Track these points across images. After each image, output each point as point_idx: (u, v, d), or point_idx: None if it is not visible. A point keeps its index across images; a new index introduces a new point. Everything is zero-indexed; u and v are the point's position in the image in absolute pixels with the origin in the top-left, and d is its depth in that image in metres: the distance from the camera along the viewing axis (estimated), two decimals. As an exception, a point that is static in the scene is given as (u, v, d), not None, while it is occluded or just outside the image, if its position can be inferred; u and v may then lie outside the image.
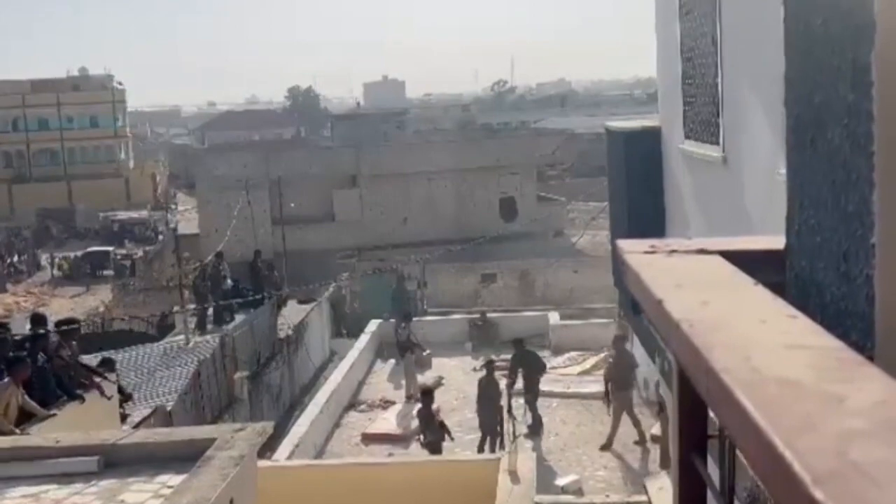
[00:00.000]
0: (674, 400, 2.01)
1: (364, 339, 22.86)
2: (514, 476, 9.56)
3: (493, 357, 18.14)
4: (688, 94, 8.17)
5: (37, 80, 76.85)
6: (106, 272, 46.67)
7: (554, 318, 23.74)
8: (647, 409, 17.41)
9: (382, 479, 9.92)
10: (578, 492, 13.96)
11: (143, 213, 62.03)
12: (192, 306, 23.21)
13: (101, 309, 36.68)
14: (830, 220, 1.75)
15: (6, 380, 10.34)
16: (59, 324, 13.03)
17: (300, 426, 16.35)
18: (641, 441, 15.92)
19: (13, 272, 49.95)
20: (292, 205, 36.93)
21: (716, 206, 7.57)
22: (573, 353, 21.03)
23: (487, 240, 29.96)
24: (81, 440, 6.96)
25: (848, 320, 1.67)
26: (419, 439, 15.29)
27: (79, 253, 49.19)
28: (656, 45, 9.85)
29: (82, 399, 11.49)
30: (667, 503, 6.70)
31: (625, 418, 16.23)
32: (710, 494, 2.00)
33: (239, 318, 22.51)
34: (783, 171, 2.35)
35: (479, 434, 16.23)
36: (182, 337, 20.83)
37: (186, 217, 53.53)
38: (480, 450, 15.63)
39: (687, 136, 8.30)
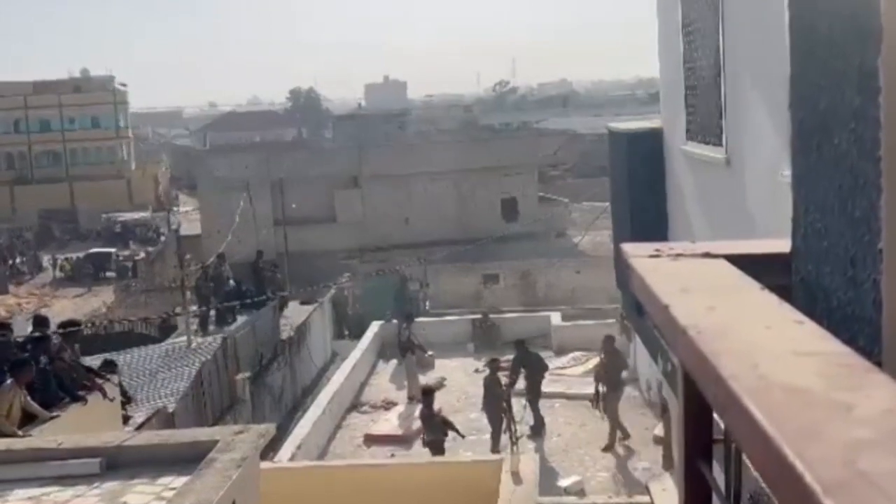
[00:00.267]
0: (679, 405, 2.01)
1: (366, 340, 22.86)
2: (516, 477, 9.56)
3: (497, 357, 18.14)
4: (690, 95, 8.16)
5: (38, 81, 76.85)
6: (108, 273, 46.69)
7: (556, 318, 23.74)
8: (650, 410, 17.41)
9: (385, 480, 9.92)
10: (581, 493, 13.95)
11: (145, 215, 62.05)
12: (194, 307, 23.21)
13: (103, 310, 36.70)
14: (837, 225, 1.75)
15: (9, 382, 10.34)
16: (61, 325, 13.04)
17: (302, 427, 16.35)
18: (608, 447, 15.93)
19: (15, 273, 49.97)
20: (294, 206, 36.95)
21: (718, 208, 7.56)
22: (576, 354, 21.03)
23: (489, 240, 29.96)
24: (84, 442, 6.96)
25: (855, 325, 1.66)
26: (423, 439, 15.33)
27: (81, 254, 49.21)
28: (658, 46, 9.84)
29: (84, 401, 11.50)
30: (670, 505, 6.70)
31: (624, 417, 16.25)
32: (715, 499, 2.00)
33: (241, 319, 22.52)
34: (787, 172, 2.34)
35: (480, 435, 16.25)
36: (184, 338, 20.83)
37: (188, 218, 53.60)
38: (495, 448, 15.63)
39: (689, 138, 8.29)
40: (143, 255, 47.44)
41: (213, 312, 23.23)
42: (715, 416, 1.95)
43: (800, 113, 2.08)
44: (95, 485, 6.36)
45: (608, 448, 15.95)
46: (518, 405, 16.55)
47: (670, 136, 9.37)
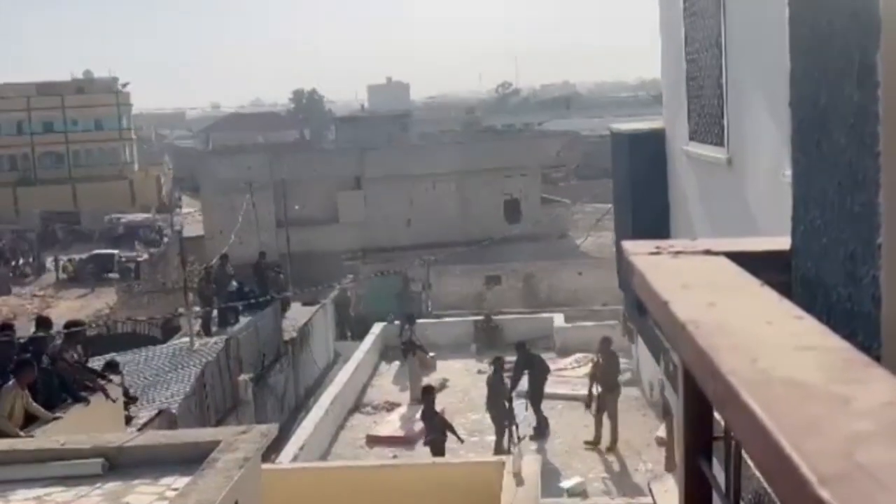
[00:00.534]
0: (679, 402, 2.01)
1: (368, 341, 22.87)
2: (518, 478, 9.55)
3: (502, 355, 18.16)
4: (692, 96, 8.16)
5: (41, 82, 76.93)
6: (111, 275, 46.71)
7: (559, 320, 23.74)
8: (652, 411, 17.40)
9: (387, 481, 9.91)
10: (583, 494, 13.96)
11: (148, 216, 62.08)
12: (197, 308, 23.23)
13: (106, 311, 36.72)
14: (836, 221, 1.75)
15: (11, 382, 10.36)
16: (66, 326, 13.05)
17: (305, 428, 16.36)
18: (594, 442, 15.98)
19: (18, 275, 50.01)
20: (297, 207, 36.99)
21: (720, 208, 7.56)
22: (578, 355, 21.01)
23: (492, 242, 29.96)
24: (86, 443, 6.97)
25: (854, 321, 1.66)
26: (424, 438, 15.35)
27: (83, 255, 49.23)
28: (660, 47, 9.84)
29: (87, 401, 11.50)
30: (672, 505, 6.69)
31: (627, 418, 16.25)
32: (715, 497, 2.00)
33: (243, 320, 22.53)
34: (788, 172, 2.34)
35: (482, 437, 16.26)
36: (187, 339, 20.85)
37: (191, 219, 53.64)
38: (498, 447, 15.65)
39: (691, 138, 8.29)
40: (145, 256, 47.45)
41: (215, 313, 23.24)
42: (715, 414, 1.95)
43: (800, 110, 2.08)
44: (98, 485, 6.37)
45: (611, 448, 15.95)
46: (520, 407, 16.55)
47: (672, 137, 9.38)
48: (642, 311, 9.00)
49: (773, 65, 5.22)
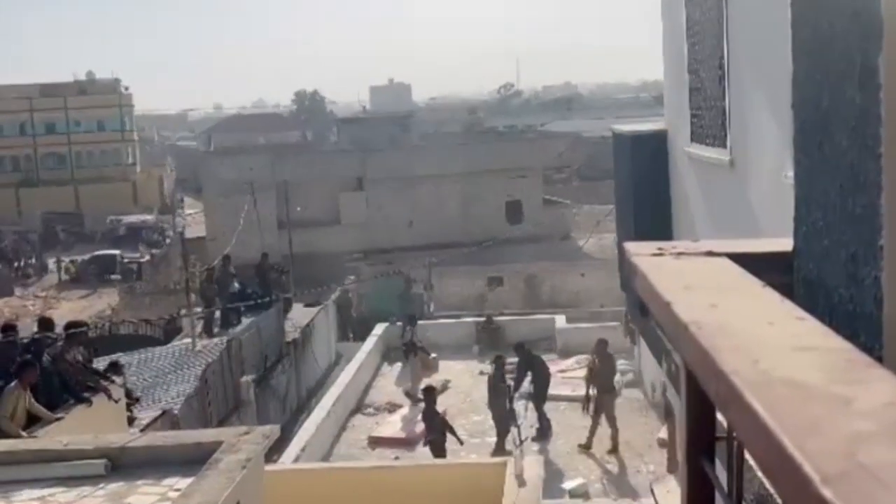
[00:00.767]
0: (682, 402, 2.02)
1: (370, 342, 22.87)
2: (520, 480, 9.55)
3: (502, 354, 18.18)
4: (694, 97, 8.16)
5: (44, 84, 77.02)
6: (113, 276, 46.75)
7: (560, 321, 23.73)
8: (654, 412, 17.39)
9: (389, 482, 9.92)
10: (585, 495, 13.96)
11: (150, 217, 62.14)
12: (199, 309, 23.24)
13: (108, 312, 36.75)
14: (838, 223, 1.75)
15: (13, 383, 10.37)
16: (67, 327, 13.05)
17: (307, 429, 16.36)
18: (586, 446, 15.96)
19: (20, 276, 50.05)
20: (299, 208, 36.99)
21: (722, 209, 7.56)
22: (580, 357, 21.00)
23: (494, 243, 29.95)
24: (89, 443, 6.98)
25: (856, 322, 1.67)
26: (425, 439, 15.36)
27: (86, 256, 49.27)
28: (662, 48, 9.84)
29: (89, 402, 11.51)
30: (674, 506, 6.70)
31: (628, 419, 16.25)
32: (718, 497, 2.00)
33: (246, 321, 22.54)
34: (790, 173, 2.35)
35: (484, 438, 16.26)
36: (189, 340, 20.86)
37: (193, 220, 53.66)
38: (499, 447, 15.66)
39: (693, 139, 8.30)
40: (148, 257, 47.49)
41: (217, 314, 23.24)
42: (718, 415, 1.95)
43: (802, 112, 2.08)
44: (100, 486, 6.39)
45: (613, 450, 15.93)
46: (521, 408, 16.55)
47: (674, 138, 9.38)
48: (644, 313, 9.00)
49: (775, 66, 5.22)
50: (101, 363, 14.05)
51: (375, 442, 17.15)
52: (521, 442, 14.82)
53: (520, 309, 28.97)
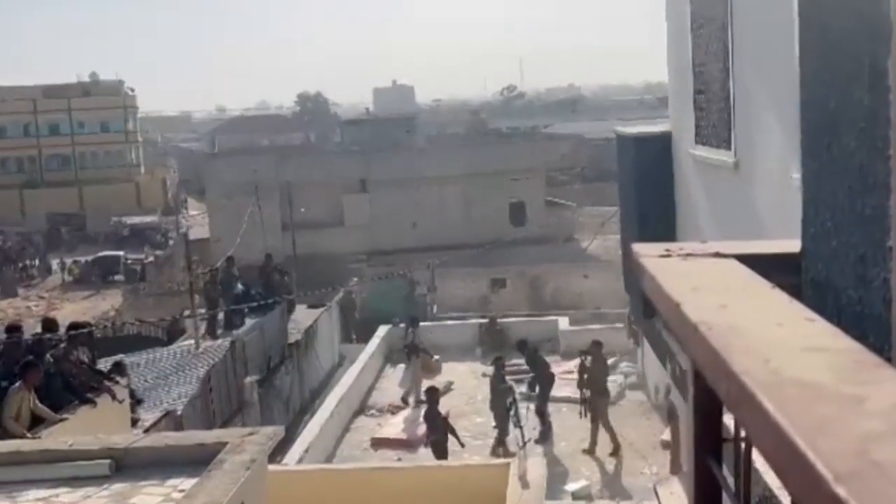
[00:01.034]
0: (689, 403, 2.02)
1: (373, 343, 22.88)
2: (523, 481, 9.55)
3: (502, 355, 18.21)
4: (699, 99, 8.17)
5: (48, 85, 77.21)
6: (116, 277, 46.82)
7: (564, 323, 23.72)
8: (657, 414, 17.38)
9: (392, 483, 9.92)
10: (588, 497, 13.95)
11: (154, 218, 62.24)
12: (203, 311, 23.25)
13: (112, 313, 36.80)
14: (847, 224, 1.76)
15: (18, 384, 10.38)
16: (70, 328, 13.06)
17: (310, 431, 16.38)
18: (589, 451, 15.94)
19: (24, 277, 50.13)
20: (302, 210, 37.01)
21: (727, 211, 7.56)
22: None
23: (497, 245, 29.95)
24: (93, 444, 6.98)
25: (865, 323, 1.67)
26: (427, 440, 15.37)
27: (89, 258, 49.35)
28: (667, 50, 9.85)
29: (93, 403, 11.52)
30: (678, 508, 6.69)
31: (631, 421, 16.23)
32: (725, 497, 2.01)
33: (249, 322, 22.54)
34: (796, 175, 2.35)
35: (486, 440, 16.25)
36: (192, 341, 20.87)
37: (197, 222, 53.74)
38: (496, 448, 15.68)
39: (698, 141, 8.30)
40: (151, 258, 47.56)
41: (221, 315, 23.25)
42: (724, 415, 1.95)
43: (809, 113, 2.09)
44: (105, 486, 6.39)
45: (614, 452, 15.91)
46: (523, 408, 16.54)
47: (679, 140, 9.38)
48: (648, 315, 9.00)
49: (781, 69, 5.22)
50: (104, 364, 14.06)
51: (378, 443, 17.16)
52: (524, 443, 14.82)
53: (523, 311, 28.97)
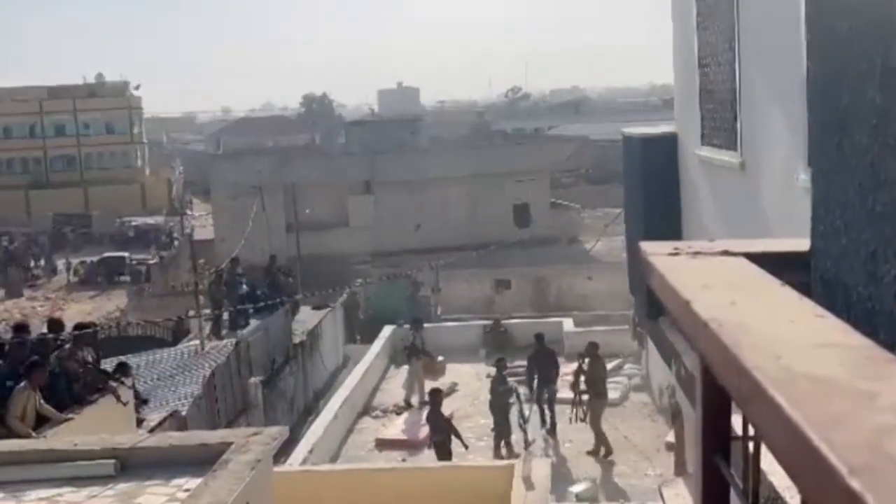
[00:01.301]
0: (697, 401, 2.02)
1: (378, 344, 22.89)
2: (528, 482, 9.54)
3: (504, 357, 18.25)
4: (705, 100, 8.16)
5: (53, 86, 77.39)
6: (121, 277, 46.91)
7: (568, 324, 23.70)
8: (662, 416, 17.36)
9: (396, 484, 9.92)
10: (592, 498, 13.94)
11: (159, 219, 62.35)
12: (207, 311, 23.28)
13: (117, 314, 36.86)
14: (857, 222, 1.75)
15: (23, 384, 10.40)
16: (75, 328, 13.09)
17: (314, 431, 16.38)
18: (595, 452, 15.93)
19: (30, 277, 50.24)
20: (307, 211, 37.04)
21: (734, 212, 7.55)
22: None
23: (501, 246, 29.95)
24: (98, 443, 6.98)
25: (875, 320, 1.67)
26: (430, 441, 15.38)
27: (94, 258, 49.44)
28: (673, 51, 9.84)
29: (92, 402, 11.53)
30: (683, 510, 6.68)
31: (636, 423, 16.22)
32: (733, 496, 2.00)
33: (253, 323, 22.57)
34: (803, 176, 2.35)
35: (490, 441, 16.24)
36: (197, 342, 20.90)
37: (201, 223, 53.81)
38: (497, 449, 15.69)
39: (704, 142, 8.29)
40: (156, 259, 47.64)
41: (226, 316, 23.29)
42: (732, 414, 1.95)
43: (818, 112, 2.08)
44: (110, 486, 6.39)
45: (601, 454, 15.86)
46: (527, 409, 16.54)
47: (685, 141, 9.38)
48: (653, 316, 8.98)
49: (786, 69, 5.21)
50: (108, 364, 14.09)
51: (382, 444, 17.17)
52: (529, 444, 14.82)
53: (527, 312, 28.97)
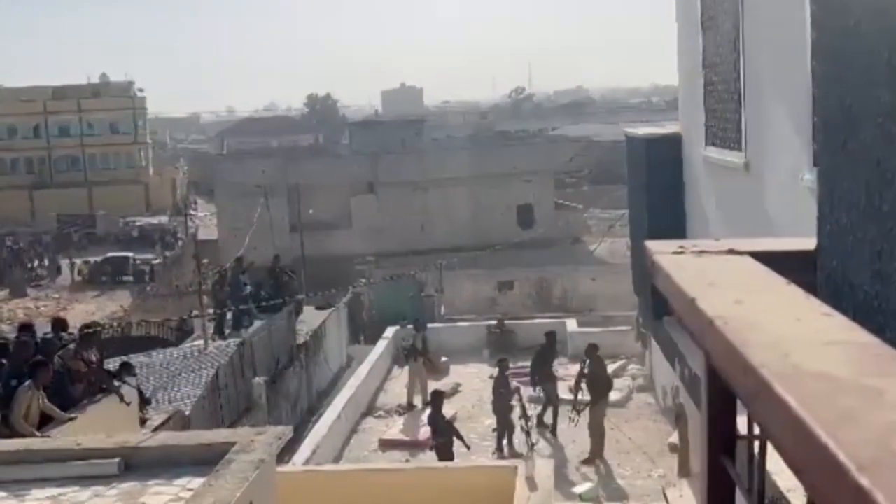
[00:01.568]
0: (703, 400, 2.01)
1: (381, 345, 22.88)
2: (531, 483, 9.53)
3: (506, 357, 18.26)
4: (710, 101, 8.15)
5: (58, 86, 77.49)
6: (125, 278, 46.96)
7: (572, 325, 23.68)
8: (665, 417, 17.34)
9: (400, 484, 9.91)
10: (596, 499, 13.93)
11: (163, 219, 62.43)
12: (211, 311, 23.31)
13: (121, 314, 36.90)
14: (863, 220, 1.75)
15: (27, 383, 10.41)
16: (81, 329, 13.10)
17: (318, 431, 16.38)
18: (590, 461, 15.84)
19: (34, 277, 50.31)
20: (310, 211, 37.08)
21: (738, 212, 7.54)
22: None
23: (505, 247, 29.93)
24: (102, 443, 6.99)
25: (881, 318, 1.66)
26: (432, 443, 15.35)
27: (98, 258, 49.51)
28: (677, 52, 9.84)
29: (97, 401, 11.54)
30: (687, 510, 6.69)
31: (639, 424, 16.20)
32: (738, 495, 2.00)
33: (257, 323, 22.59)
34: (808, 175, 2.34)
35: (494, 442, 16.24)
36: (200, 342, 20.92)
37: (205, 223, 53.86)
38: (499, 450, 15.69)
39: (708, 143, 8.28)
40: (160, 259, 47.69)
41: (229, 316, 23.31)
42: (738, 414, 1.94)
43: (824, 110, 2.08)
44: (113, 485, 6.40)
45: (589, 462, 15.74)
46: (530, 409, 16.53)
47: (689, 142, 9.37)
48: (657, 316, 8.97)
49: (791, 69, 5.20)
50: (112, 364, 14.10)
51: (386, 444, 17.16)
52: (532, 445, 14.81)
53: (531, 313, 28.94)
